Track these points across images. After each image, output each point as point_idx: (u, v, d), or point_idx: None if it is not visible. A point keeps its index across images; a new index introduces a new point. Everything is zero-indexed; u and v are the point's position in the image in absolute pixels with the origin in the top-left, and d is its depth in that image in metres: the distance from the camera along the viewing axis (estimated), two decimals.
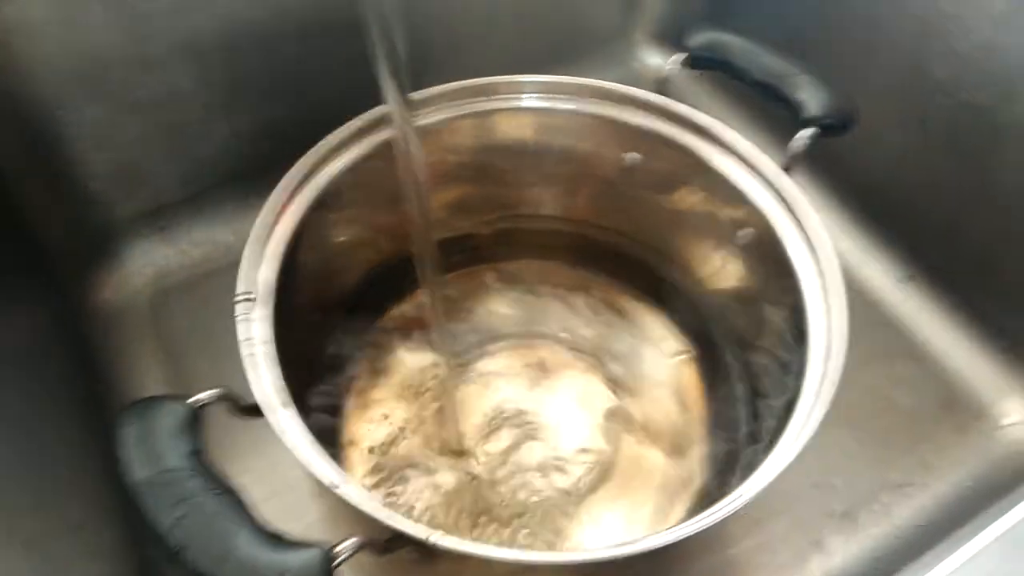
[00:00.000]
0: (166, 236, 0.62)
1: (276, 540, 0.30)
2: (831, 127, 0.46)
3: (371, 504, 0.33)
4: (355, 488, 0.34)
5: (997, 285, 0.56)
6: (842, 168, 0.63)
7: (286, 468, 0.51)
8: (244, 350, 0.37)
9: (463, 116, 0.50)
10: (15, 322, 0.48)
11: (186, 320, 0.58)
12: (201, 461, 0.32)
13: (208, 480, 0.31)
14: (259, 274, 0.42)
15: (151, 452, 0.32)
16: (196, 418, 0.34)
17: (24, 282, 0.52)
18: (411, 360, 0.55)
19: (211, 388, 0.35)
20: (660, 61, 0.77)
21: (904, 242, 0.62)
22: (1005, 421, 0.55)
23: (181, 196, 0.62)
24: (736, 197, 0.47)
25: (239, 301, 0.39)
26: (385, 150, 0.47)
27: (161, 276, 0.61)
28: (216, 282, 0.61)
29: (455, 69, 0.50)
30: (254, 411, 0.37)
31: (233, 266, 0.63)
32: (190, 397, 0.35)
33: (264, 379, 0.37)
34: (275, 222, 0.44)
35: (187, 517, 0.30)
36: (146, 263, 0.61)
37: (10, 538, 0.36)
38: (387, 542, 0.33)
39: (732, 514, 0.33)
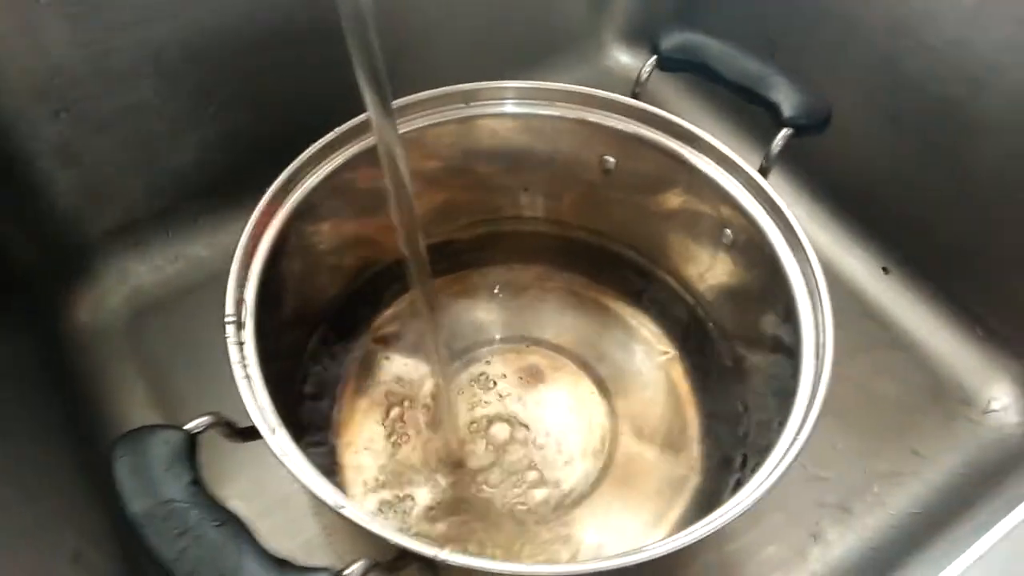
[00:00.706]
0: (139, 253, 0.60)
1: (284, 566, 0.30)
2: (806, 128, 0.46)
3: (377, 523, 0.33)
4: (357, 508, 0.34)
5: (972, 274, 0.58)
6: (819, 163, 0.64)
7: (277, 485, 0.50)
8: (238, 373, 0.36)
9: (444, 123, 0.49)
10: None
11: (164, 338, 0.57)
12: (200, 490, 0.31)
13: (209, 509, 0.31)
14: (246, 293, 0.41)
15: (148, 483, 0.31)
16: (192, 445, 0.33)
17: None
18: (400, 369, 0.54)
19: (195, 407, 0.34)
20: (630, 60, 0.77)
21: (882, 234, 0.63)
22: (992, 406, 0.56)
23: (153, 211, 0.60)
24: (719, 197, 0.47)
25: (229, 323, 0.38)
26: (361, 160, 0.47)
27: (136, 294, 0.59)
28: (192, 298, 0.60)
29: (425, 72, 0.50)
30: (249, 434, 0.36)
31: (209, 281, 0.62)
32: (184, 424, 0.34)
33: (259, 401, 0.36)
34: (258, 239, 0.43)
35: (191, 549, 0.29)
36: (120, 281, 0.59)
37: (10, 571, 0.35)
38: (394, 561, 0.33)
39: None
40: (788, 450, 0.36)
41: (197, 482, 0.32)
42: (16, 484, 0.40)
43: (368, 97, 0.35)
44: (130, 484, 0.31)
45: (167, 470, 0.31)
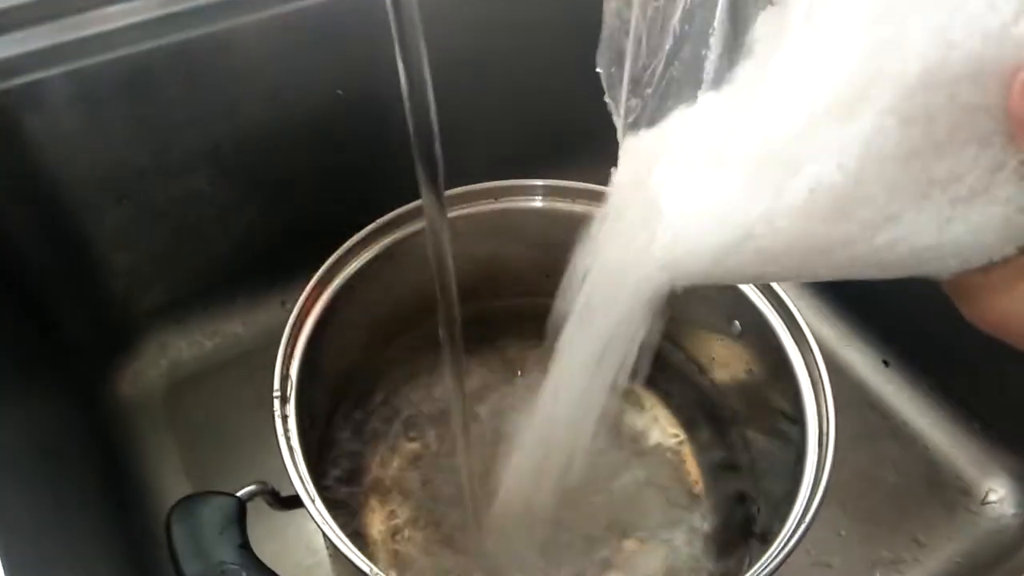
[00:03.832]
0: (180, 329, 0.64)
1: None
2: None
3: None
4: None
5: (968, 369, 0.60)
6: None
7: (301, 556, 0.52)
8: (282, 444, 0.39)
9: (480, 213, 0.54)
10: (41, 419, 0.50)
11: (200, 409, 0.60)
12: (249, 552, 0.34)
13: (257, 571, 0.33)
14: (291, 370, 0.44)
15: (202, 547, 0.34)
16: (242, 511, 0.36)
17: (49, 380, 0.54)
18: (423, 440, 0.57)
19: (228, 476, 0.37)
20: None
21: (882, 329, 0.66)
22: (990, 497, 0.58)
23: (194, 291, 0.64)
24: (728, 289, 0.51)
25: (276, 397, 0.41)
26: (393, 249, 0.51)
27: (175, 367, 0.63)
28: (228, 372, 0.63)
29: (465, 167, 0.53)
30: (291, 503, 0.38)
31: (243, 356, 0.65)
32: (234, 492, 0.36)
33: (300, 472, 0.39)
34: (303, 320, 0.46)
35: None
36: (161, 355, 0.63)
37: None
38: None
39: None
40: (791, 536, 0.39)
41: (246, 545, 0.34)
42: (65, 546, 0.42)
43: (424, 189, 0.39)
44: (185, 548, 0.34)
45: (220, 534, 0.34)
